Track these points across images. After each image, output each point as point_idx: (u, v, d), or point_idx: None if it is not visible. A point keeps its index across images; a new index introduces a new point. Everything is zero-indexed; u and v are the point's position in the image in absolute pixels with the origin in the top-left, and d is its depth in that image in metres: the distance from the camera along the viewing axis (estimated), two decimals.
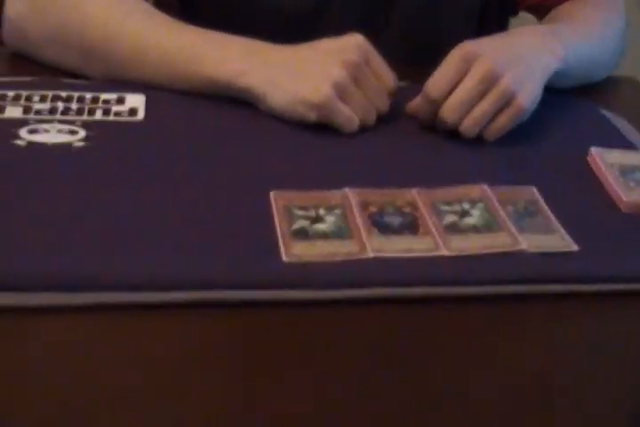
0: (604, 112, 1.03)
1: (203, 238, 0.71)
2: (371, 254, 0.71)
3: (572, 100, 1.03)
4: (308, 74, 0.87)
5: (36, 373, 0.58)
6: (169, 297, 0.65)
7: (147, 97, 0.92)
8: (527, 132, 0.92)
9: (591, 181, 0.87)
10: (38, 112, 0.87)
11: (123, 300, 0.64)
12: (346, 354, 0.63)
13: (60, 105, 0.89)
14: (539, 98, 0.91)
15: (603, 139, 0.94)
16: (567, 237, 0.77)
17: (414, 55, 1.10)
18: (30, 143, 0.82)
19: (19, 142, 0.82)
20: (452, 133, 0.91)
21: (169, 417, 0.56)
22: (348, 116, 0.88)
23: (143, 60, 0.91)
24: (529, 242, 0.75)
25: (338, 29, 0.91)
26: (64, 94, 0.91)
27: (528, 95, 0.89)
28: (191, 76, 0.90)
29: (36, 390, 0.56)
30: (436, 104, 0.89)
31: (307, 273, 0.69)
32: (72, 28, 0.93)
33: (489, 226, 0.76)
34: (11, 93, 0.90)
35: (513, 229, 0.76)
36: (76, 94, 0.91)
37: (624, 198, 0.83)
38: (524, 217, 0.78)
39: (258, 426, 0.56)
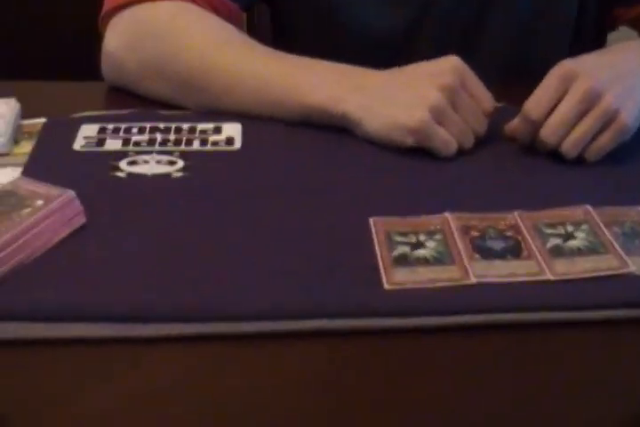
0: None
1: (304, 268, 0.71)
2: (474, 280, 0.71)
3: None
4: (404, 98, 0.87)
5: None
6: (272, 327, 0.65)
7: (243, 126, 0.93)
8: (630, 151, 0.90)
9: None
10: (137, 144, 0.89)
11: (228, 330, 0.65)
12: (449, 381, 0.62)
13: (159, 136, 0.90)
14: None
15: None
16: None
17: (507, 76, 1.09)
18: (130, 175, 0.83)
19: (119, 174, 0.84)
20: (553, 154, 0.89)
21: None
22: (446, 139, 0.88)
23: (240, 90, 0.92)
24: (638, 264, 0.73)
25: (429, 52, 0.91)
26: (162, 126, 0.92)
27: (631, 113, 0.87)
28: (287, 104, 0.91)
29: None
30: (536, 125, 0.88)
31: (409, 300, 0.68)
32: (168, 59, 0.94)
33: (594, 248, 0.75)
34: (110, 126, 0.92)
35: (620, 251, 0.75)
36: (173, 125, 0.92)
37: None
38: (632, 238, 0.77)
39: None
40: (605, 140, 0.88)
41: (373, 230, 0.76)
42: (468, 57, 0.91)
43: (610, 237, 0.76)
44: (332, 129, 0.91)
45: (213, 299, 0.67)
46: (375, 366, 0.64)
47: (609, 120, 0.86)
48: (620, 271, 0.72)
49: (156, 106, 0.96)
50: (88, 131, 0.91)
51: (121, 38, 0.98)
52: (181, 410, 0.58)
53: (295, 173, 0.85)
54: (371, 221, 0.77)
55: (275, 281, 0.69)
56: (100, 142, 0.89)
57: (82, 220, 0.75)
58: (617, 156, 0.89)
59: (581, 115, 0.86)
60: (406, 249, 0.74)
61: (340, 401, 0.60)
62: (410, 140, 0.87)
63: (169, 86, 0.95)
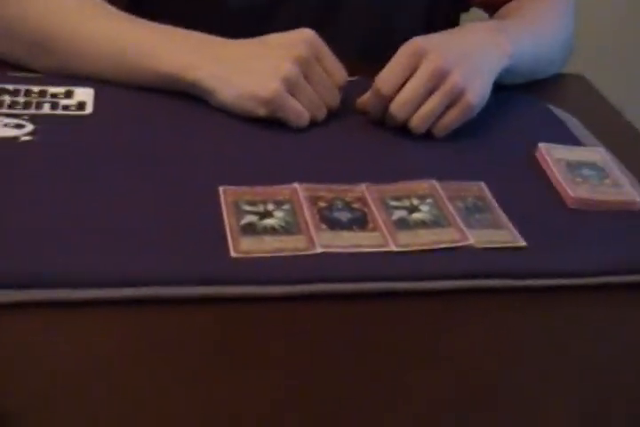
0: (552, 108, 1.03)
1: (150, 235, 0.70)
2: (319, 250, 0.71)
3: (521, 97, 1.04)
4: (258, 68, 0.87)
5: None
6: (119, 293, 0.65)
7: (95, 91, 0.91)
8: (476, 128, 0.93)
9: (539, 177, 0.87)
10: None
11: (69, 297, 0.64)
12: (292, 350, 0.63)
13: (7, 98, 0.88)
14: (488, 94, 0.92)
15: (550, 135, 0.95)
16: (515, 232, 0.77)
17: (365, 51, 1.10)
18: None
19: None
20: (402, 129, 0.91)
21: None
22: (298, 111, 0.88)
23: (91, 54, 0.91)
24: (477, 237, 0.75)
25: (290, 24, 0.91)
26: (11, 87, 0.90)
27: (477, 92, 0.89)
28: (140, 70, 0.90)
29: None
30: (386, 100, 0.89)
31: (254, 269, 0.69)
32: (17, 19, 0.92)
33: (437, 221, 0.77)
34: None
35: (461, 225, 0.77)
36: (23, 88, 0.90)
37: (571, 194, 0.83)
38: (473, 213, 0.79)
39: (211, 424, 0.56)
40: (452, 118, 0.90)
41: (222, 199, 0.76)
42: (329, 30, 0.92)
43: (452, 211, 0.78)
44: (186, 97, 0.90)
45: (52, 266, 0.66)
46: (220, 333, 0.64)
47: (455, 98, 0.89)
48: (460, 244, 0.74)
49: (5, 67, 0.93)
50: None
51: None
52: None
53: (146, 140, 0.84)
54: (220, 189, 0.77)
55: (122, 249, 0.68)
56: None
57: None
58: (463, 132, 0.91)
59: (429, 92, 0.88)
60: (254, 218, 0.74)
61: (188, 370, 0.60)
62: (262, 111, 0.87)
63: (18, 47, 0.93)
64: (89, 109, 0.88)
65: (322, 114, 0.91)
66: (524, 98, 1.04)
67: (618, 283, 0.74)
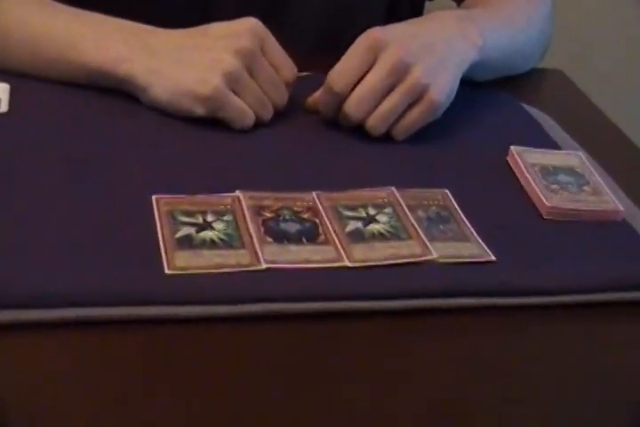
0: (527, 108, 1.03)
1: (72, 250, 0.69)
2: (264, 266, 0.70)
3: (492, 94, 1.03)
4: (196, 62, 0.85)
5: None
6: (38, 315, 0.64)
7: (12, 86, 0.89)
8: (441, 129, 0.91)
9: (511, 184, 0.87)
10: None
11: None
12: (236, 372, 0.63)
13: None
14: (454, 91, 0.91)
15: (524, 137, 0.94)
16: (483, 245, 0.76)
17: (318, 43, 1.10)
18: None
19: None
20: (357, 131, 0.89)
21: None
22: (241, 109, 0.86)
23: (9, 43, 0.89)
24: (441, 251, 0.75)
25: (234, 12, 0.90)
26: None
27: (442, 89, 0.88)
28: (63, 63, 0.88)
29: None
30: (340, 98, 0.88)
31: (192, 287, 0.68)
32: None
33: (397, 234, 0.76)
34: None
35: (423, 238, 0.76)
36: None
37: (546, 203, 0.83)
38: (436, 223, 0.78)
39: None
40: (414, 117, 0.89)
41: (156, 209, 0.75)
42: (276, 19, 0.92)
43: (413, 222, 0.77)
44: (117, 94, 0.89)
45: None
46: (157, 354, 0.64)
47: (418, 96, 0.87)
48: (422, 259, 0.74)
49: None
50: None
51: None
52: None
53: (69, 143, 0.82)
54: (153, 198, 0.76)
55: (39, 266, 0.67)
56: None
57: None
58: (427, 134, 0.90)
59: (389, 88, 0.86)
60: (191, 230, 0.73)
61: (111, 393, 0.60)
62: (201, 110, 0.86)
63: None
64: (3, 108, 0.86)
65: (268, 113, 0.89)
66: (495, 95, 1.03)
67: (594, 301, 0.74)
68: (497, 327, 0.71)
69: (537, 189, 0.85)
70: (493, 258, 0.75)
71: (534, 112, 1.02)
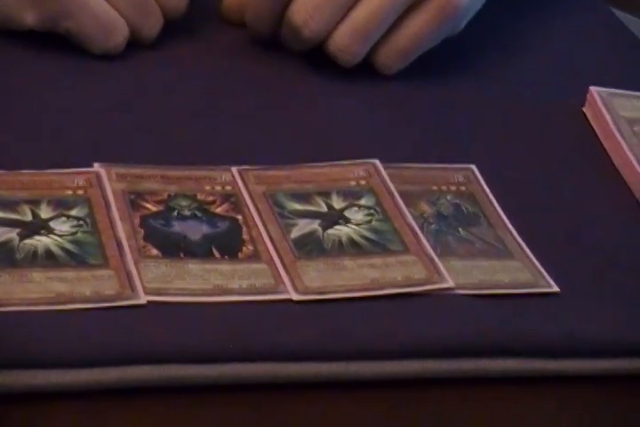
0: (618, 14, 0.87)
1: None
2: (142, 299, 0.53)
3: None
4: None
5: None
6: None
7: None
8: (460, 55, 0.74)
9: (589, 153, 0.68)
10: None
11: None
12: None
13: None
14: None
15: (613, 65, 0.77)
16: (538, 265, 0.57)
17: None
18: None
19: None
20: (314, 56, 0.70)
21: None
22: (103, 18, 0.69)
23: None
24: (461, 276, 0.56)
25: None
26: None
27: None
28: None
29: None
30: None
31: (10, 341, 0.51)
32: None
33: (382, 243, 0.58)
34: None
35: (429, 250, 0.57)
36: None
37: None
38: (454, 225, 0.60)
39: None
40: (415, 31, 0.70)
41: None
42: None
43: (411, 222, 0.58)
44: None
45: None
46: None
47: None
48: (427, 288, 0.55)
49: None
50: None
51: None
52: None
53: None
54: None
55: None
56: None
57: None
58: (436, 64, 0.71)
59: None
60: (11, 234, 0.56)
61: None
62: (31, 17, 0.69)
63: None
64: None
65: (153, 25, 0.71)
66: None
67: None
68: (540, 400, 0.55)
69: (634, 160, 0.65)
70: (557, 289, 0.57)
71: (628, 20, 0.88)
